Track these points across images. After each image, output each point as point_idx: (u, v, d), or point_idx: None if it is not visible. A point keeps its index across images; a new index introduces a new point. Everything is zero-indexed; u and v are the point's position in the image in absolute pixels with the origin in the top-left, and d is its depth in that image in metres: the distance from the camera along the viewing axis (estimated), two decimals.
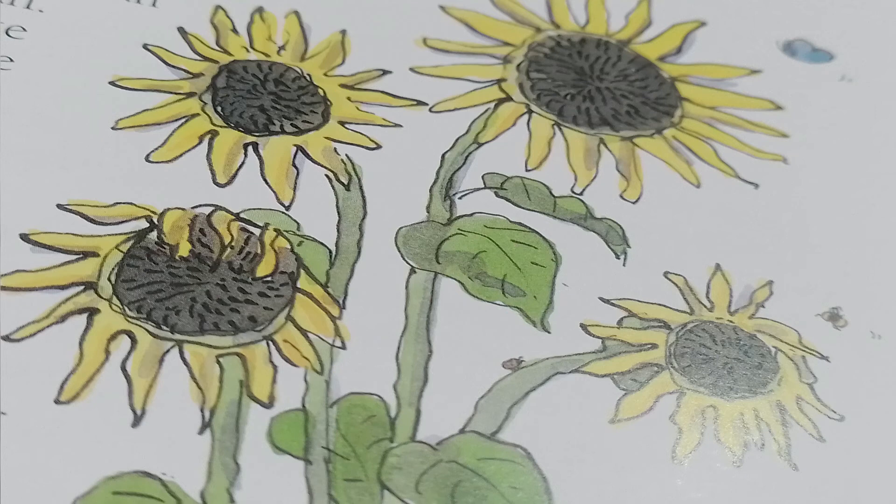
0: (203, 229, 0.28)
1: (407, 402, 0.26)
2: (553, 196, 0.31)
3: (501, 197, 0.31)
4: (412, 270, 0.29)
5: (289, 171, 0.30)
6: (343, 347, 0.27)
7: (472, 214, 0.30)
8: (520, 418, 0.26)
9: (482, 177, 0.31)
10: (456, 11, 0.35)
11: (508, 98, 0.33)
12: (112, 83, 0.31)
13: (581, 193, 0.31)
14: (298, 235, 0.29)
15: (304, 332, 0.27)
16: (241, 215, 0.29)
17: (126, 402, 0.25)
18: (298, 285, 0.28)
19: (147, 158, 0.30)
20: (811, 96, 0.35)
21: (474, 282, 0.29)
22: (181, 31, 0.33)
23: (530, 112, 0.33)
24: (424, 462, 0.26)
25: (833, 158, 0.34)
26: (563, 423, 0.27)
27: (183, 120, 0.31)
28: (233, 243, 0.28)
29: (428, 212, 0.30)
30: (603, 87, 0.34)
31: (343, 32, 0.34)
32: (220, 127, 0.31)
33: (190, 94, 0.31)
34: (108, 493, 0.24)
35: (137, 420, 0.25)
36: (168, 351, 0.26)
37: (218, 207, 0.29)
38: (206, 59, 0.32)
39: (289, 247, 0.28)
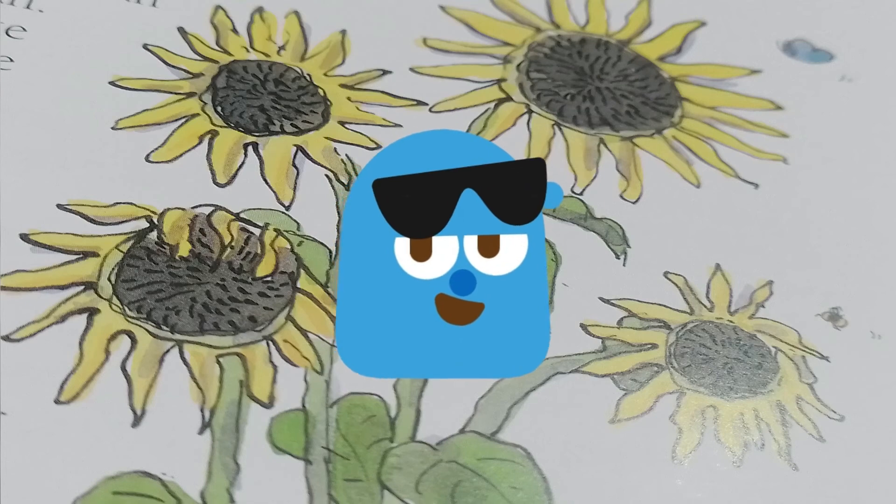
0: (203, 229, 0.28)
1: (407, 402, 0.26)
2: None
3: None
4: None
5: (289, 171, 0.30)
6: None
7: None
8: (520, 418, 0.26)
9: None
10: (456, 11, 0.35)
11: (508, 98, 0.33)
12: (112, 83, 0.31)
13: (581, 193, 0.31)
14: (298, 235, 0.29)
15: (304, 332, 0.27)
16: (241, 215, 0.29)
17: (126, 402, 0.25)
18: (298, 285, 0.28)
19: (147, 158, 0.30)
20: (811, 96, 0.35)
21: None
22: (181, 31, 0.33)
23: (530, 112, 0.33)
24: (424, 462, 0.26)
25: (833, 158, 0.34)
26: (563, 423, 0.27)
27: (183, 120, 0.31)
28: (233, 243, 0.28)
29: None
30: (603, 87, 0.34)
31: (343, 32, 0.34)
32: (220, 127, 0.31)
33: (190, 94, 0.31)
34: (108, 493, 0.24)
35: (137, 420, 0.25)
36: (168, 351, 0.26)
37: (218, 207, 0.29)
38: (206, 59, 0.32)
39: (289, 247, 0.28)
